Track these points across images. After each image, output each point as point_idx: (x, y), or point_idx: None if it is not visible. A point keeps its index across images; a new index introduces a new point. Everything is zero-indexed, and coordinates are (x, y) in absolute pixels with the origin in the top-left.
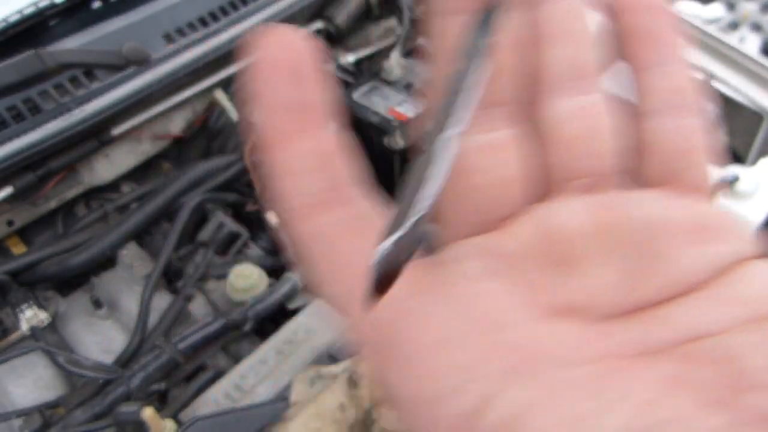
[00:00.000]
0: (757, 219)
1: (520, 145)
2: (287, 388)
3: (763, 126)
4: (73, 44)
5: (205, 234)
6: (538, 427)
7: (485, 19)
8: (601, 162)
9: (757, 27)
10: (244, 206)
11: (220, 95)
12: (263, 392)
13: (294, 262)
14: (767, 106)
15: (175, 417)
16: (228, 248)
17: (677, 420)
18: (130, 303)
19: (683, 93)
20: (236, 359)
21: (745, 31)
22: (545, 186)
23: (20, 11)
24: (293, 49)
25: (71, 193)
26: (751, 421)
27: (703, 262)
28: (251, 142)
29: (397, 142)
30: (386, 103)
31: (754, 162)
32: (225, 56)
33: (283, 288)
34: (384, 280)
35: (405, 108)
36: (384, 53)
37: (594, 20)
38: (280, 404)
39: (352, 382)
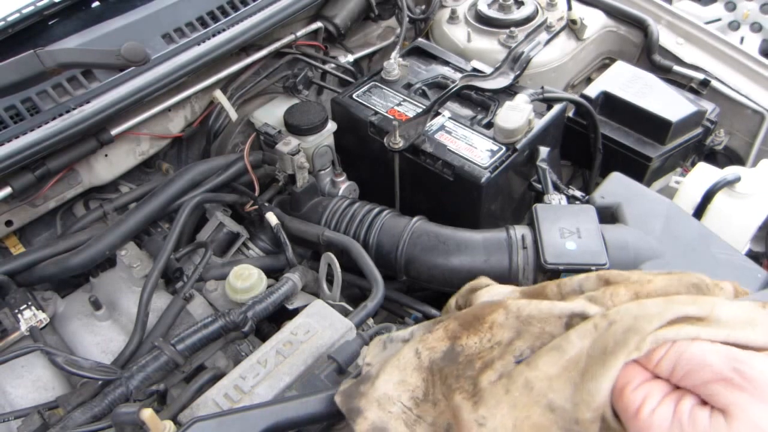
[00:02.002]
0: (758, 219)
1: None
2: (287, 388)
3: (764, 126)
4: (72, 44)
5: (204, 234)
6: None
7: None
8: None
9: (757, 27)
10: (243, 206)
11: (219, 95)
12: (263, 393)
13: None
14: None
15: (174, 418)
16: (228, 248)
17: None
18: (129, 303)
19: None
20: (236, 360)
21: (745, 31)
22: None
23: (19, 11)
24: None
25: (70, 193)
26: None
27: None
28: (250, 141)
29: (397, 141)
30: (386, 103)
31: (755, 162)
32: (224, 56)
33: (283, 288)
34: None
35: (405, 108)
36: (384, 53)
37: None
38: (279, 405)
39: (420, 331)
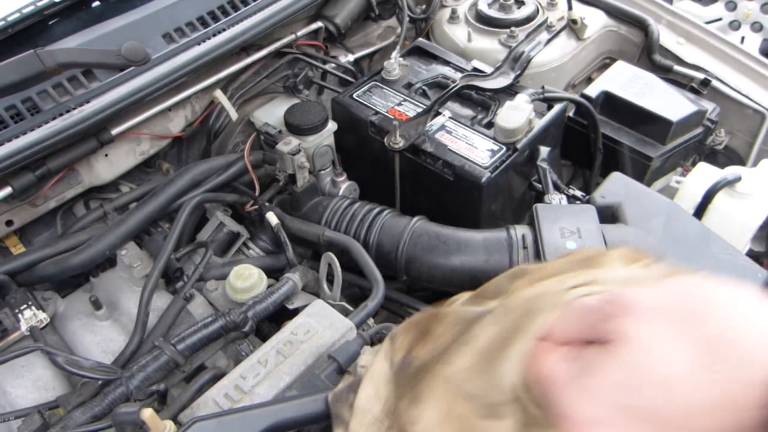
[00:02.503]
0: (758, 219)
1: None
2: (287, 388)
3: (765, 125)
4: (72, 44)
5: (204, 234)
6: None
7: None
8: None
9: (758, 27)
10: (244, 206)
11: (220, 95)
12: (263, 393)
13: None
14: None
15: (174, 418)
16: (228, 248)
17: None
18: (129, 303)
19: None
20: (236, 360)
21: (746, 30)
22: None
23: (19, 10)
24: None
25: (70, 193)
26: None
27: None
28: (250, 141)
29: (398, 141)
30: (386, 103)
31: (755, 162)
32: (224, 56)
33: (283, 288)
34: None
35: (405, 107)
36: (384, 53)
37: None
38: (279, 405)
39: (392, 338)
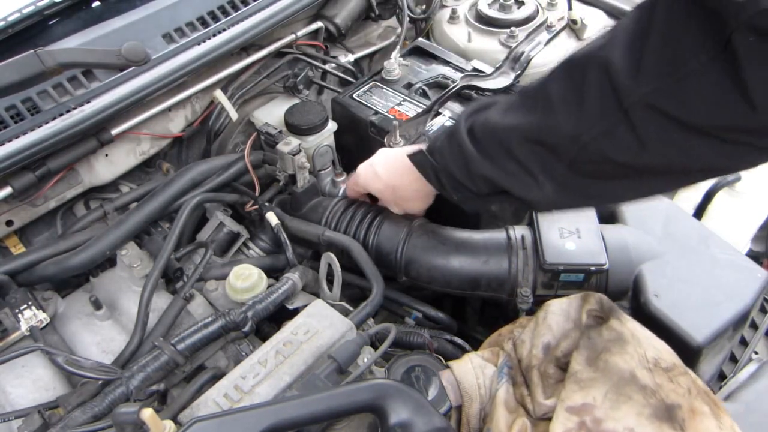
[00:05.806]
0: (758, 219)
1: None
2: (287, 388)
3: None
4: (72, 44)
5: (204, 234)
6: None
7: None
8: None
9: None
10: (244, 206)
11: (220, 95)
12: (263, 393)
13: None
14: None
15: (174, 418)
16: (228, 248)
17: None
18: (129, 303)
19: None
20: (236, 360)
21: None
22: None
23: (19, 10)
24: None
25: (70, 193)
26: None
27: None
28: (251, 141)
29: (398, 141)
30: (386, 103)
31: None
32: (225, 56)
33: (283, 288)
34: None
35: (405, 107)
36: (384, 53)
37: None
38: (279, 405)
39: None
